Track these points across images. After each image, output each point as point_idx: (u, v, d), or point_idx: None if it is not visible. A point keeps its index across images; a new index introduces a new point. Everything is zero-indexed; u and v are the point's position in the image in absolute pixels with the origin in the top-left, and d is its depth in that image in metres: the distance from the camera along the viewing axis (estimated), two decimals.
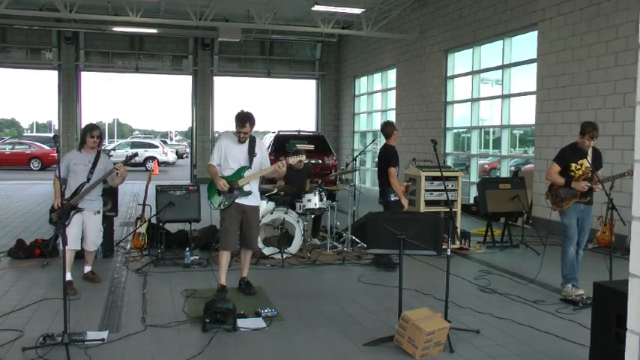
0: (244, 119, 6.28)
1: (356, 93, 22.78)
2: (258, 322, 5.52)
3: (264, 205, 8.65)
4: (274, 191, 8.97)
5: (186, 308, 5.95)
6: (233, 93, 23.78)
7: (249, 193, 6.38)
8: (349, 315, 5.92)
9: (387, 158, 8.11)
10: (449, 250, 5.40)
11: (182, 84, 26.64)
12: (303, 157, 6.73)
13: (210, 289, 6.56)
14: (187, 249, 8.10)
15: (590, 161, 6.69)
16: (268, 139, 17.01)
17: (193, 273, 7.56)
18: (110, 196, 7.97)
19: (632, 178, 6.75)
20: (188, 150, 34.76)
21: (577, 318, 5.85)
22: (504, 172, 13.79)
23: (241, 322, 5.41)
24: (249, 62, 23.63)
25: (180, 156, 39.75)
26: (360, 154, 12.70)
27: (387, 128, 8.32)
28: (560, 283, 6.84)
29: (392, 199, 7.99)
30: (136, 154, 7.51)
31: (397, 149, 8.37)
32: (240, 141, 6.36)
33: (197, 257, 8.08)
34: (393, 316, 5.28)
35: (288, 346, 5.02)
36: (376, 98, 21.26)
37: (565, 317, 5.93)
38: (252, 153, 6.39)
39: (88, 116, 22.40)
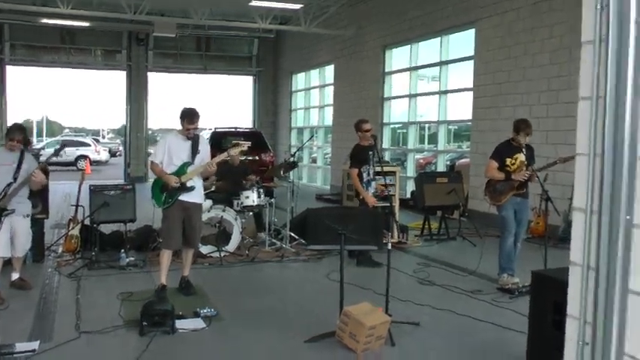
0: (195, 115, 6.35)
1: (293, 89, 22.76)
2: (198, 323, 5.44)
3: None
4: (212, 189, 8.87)
5: (122, 312, 5.77)
6: (168, 89, 23.51)
7: (192, 188, 6.36)
8: (290, 312, 5.91)
9: (350, 158, 8.15)
10: (389, 244, 5.44)
11: (115, 80, 25.94)
12: (244, 147, 6.69)
13: (147, 290, 6.39)
14: (122, 250, 7.92)
15: (525, 156, 6.93)
16: (205, 136, 16.83)
17: (129, 275, 7.37)
18: (41, 197, 7.68)
19: (562, 163, 6.95)
20: (121, 148, 33.99)
21: (513, 306, 6.01)
22: (441, 167, 14.05)
23: (180, 324, 5.31)
24: (185, 58, 23.28)
25: (113, 154, 38.88)
26: (297, 150, 12.67)
27: (355, 125, 8.18)
28: (496, 273, 7.01)
29: (360, 197, 7.96)
30: (64, 146, 7.28)
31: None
32: (189, 137, 6.40)
33: (133, 259, 7.88)
34: (334, 312, 5.28)
35: (229, 345, 4.96)
36: (313, 94, 21.30)
37: (502, 306, 6.08)
38: (195, 150, 6.43)
39: (14, 113, 21.59)
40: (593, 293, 1.97)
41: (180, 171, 6.37)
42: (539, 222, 9.62)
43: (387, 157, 15.55)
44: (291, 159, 10.42)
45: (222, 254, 8.09)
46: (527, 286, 5.37)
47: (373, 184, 8.06)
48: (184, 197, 6.36)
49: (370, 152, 7.99)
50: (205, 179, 7.26)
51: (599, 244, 1.96)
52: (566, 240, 8.76)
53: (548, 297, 3.82)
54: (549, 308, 3.76)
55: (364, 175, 7.93)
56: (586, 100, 2.08)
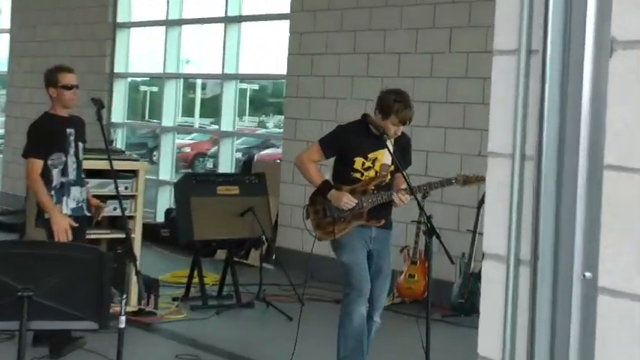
0: None
1: None
2: None
3: None
4: None
5: None
6: None
7: None
8: None
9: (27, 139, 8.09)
10: (123, 318, 5.36)
11: None
12: None
13: None
14: None
15: (392, 156, 6.98)
16: None
17: None
18: None
19: (462, 185, 7.27)
20: None
21: None
22: (225, 163, 14.07)
23: None
24: None
25: None
26: None
27: (46, 77, 8.23)
28: None
29: (45, 216, 7.73)
30: None
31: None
32: None
33: None
34: None
35: None
36: None
37: None
38: None
39: None
40: (528, 304, 2.01)
41: None
42: (415, 275, 9.96)
43: (120, 139, 15.56)
44: None
45: None
46: None
47: (76, 191, 7.95)
48: None
49: (70, 130, 7.92)
50: None
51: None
52: (465, 309, 9.18)
53: None
54: None
55: (54, 173, 7.81)
56: (507, 54, 2.11)
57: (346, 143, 7.10)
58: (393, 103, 6.87)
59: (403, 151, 7.13)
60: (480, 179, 6.85)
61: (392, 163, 7.03)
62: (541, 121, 1.98)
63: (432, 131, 10.39)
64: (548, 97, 1.96)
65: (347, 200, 6.81)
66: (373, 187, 6.96)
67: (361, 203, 6.88)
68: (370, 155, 7.01)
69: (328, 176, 7.23)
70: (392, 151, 6.92)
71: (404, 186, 6.94)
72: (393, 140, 6.99)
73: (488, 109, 2.19)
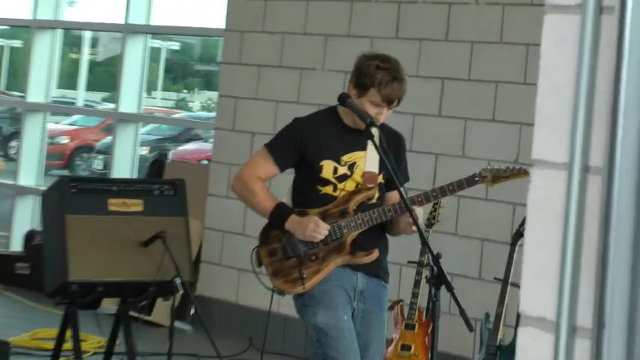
0: None
1: None
2: None
3: None
4: None
5: None
6: None
7: None
8: None
9: None
10: None
11: None
12: None
13: None
14: None
15: (379, 153, 6.91)
16: None
17: None
18: None
19: (492, 183, 7.28)
20: None
21: None
22: (124, 162, 14.05)
23: None
24: None
25: None
26: None
27: None
28: None
29: None
30: None
31: None
32: None
33: None
34: None
35: None
36: None
37: None
38: None
39: None
40: None
41: None
42: (412, 345, 9.97)
43: None
44: None
45: None
46: None
47: None
48: None
49: None
50: None
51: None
52: None
53: None
54: None
55: None
56: (565, 12, 2.07)
57: (307, 144, 7.00)
58: (376, 70, 6.81)
59: (396, 154, 7.06)
60: (519, 173, 6.88)
61: (380, 172, 6.91)
62: (614, 115, 1.92)
63: (445, 123, 10.40)
64: (626, 78, 1.90)
65: (314, 226, 6.71)
66: (355, 208, 6.85)
67: (339, 230, 6.78)
68: (345, 157, 6.94)
69: (286, 199, 7.11)
70: (380, 148, 6.79)
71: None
72: (377, 133, 6.90)
73: (532, 92, 2.19)
